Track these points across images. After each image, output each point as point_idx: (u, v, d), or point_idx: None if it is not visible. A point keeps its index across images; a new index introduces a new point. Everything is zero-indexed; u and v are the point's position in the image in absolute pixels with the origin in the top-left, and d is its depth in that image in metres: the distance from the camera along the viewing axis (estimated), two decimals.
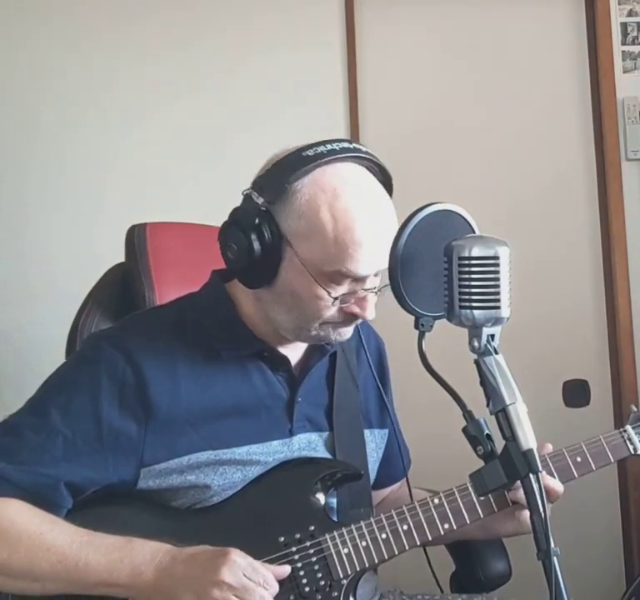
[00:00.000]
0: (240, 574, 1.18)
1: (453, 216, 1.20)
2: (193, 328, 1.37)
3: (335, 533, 1.32)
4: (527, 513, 1.34)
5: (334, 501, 1.41)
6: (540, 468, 1.05)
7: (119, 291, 1.76)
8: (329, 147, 1.27)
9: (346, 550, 1.31)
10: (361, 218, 1.26)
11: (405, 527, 1.34)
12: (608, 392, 2.82)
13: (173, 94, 2.74)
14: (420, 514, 1.35)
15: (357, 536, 1.32)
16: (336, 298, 1.28)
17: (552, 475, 1.40)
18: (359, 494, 1.43)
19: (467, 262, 1.08)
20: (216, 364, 1.35)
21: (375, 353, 1.56)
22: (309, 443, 1.41)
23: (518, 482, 1.07)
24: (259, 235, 1.26)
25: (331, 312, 1.30)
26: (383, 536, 1.33)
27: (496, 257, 1.08)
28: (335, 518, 1.39)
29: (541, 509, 1.03)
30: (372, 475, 1.50)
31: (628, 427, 1.48)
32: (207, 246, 1.83)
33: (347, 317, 1.32)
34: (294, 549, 1.30)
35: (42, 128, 2.71)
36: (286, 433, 1.39)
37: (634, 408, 1.51)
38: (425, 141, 2.86)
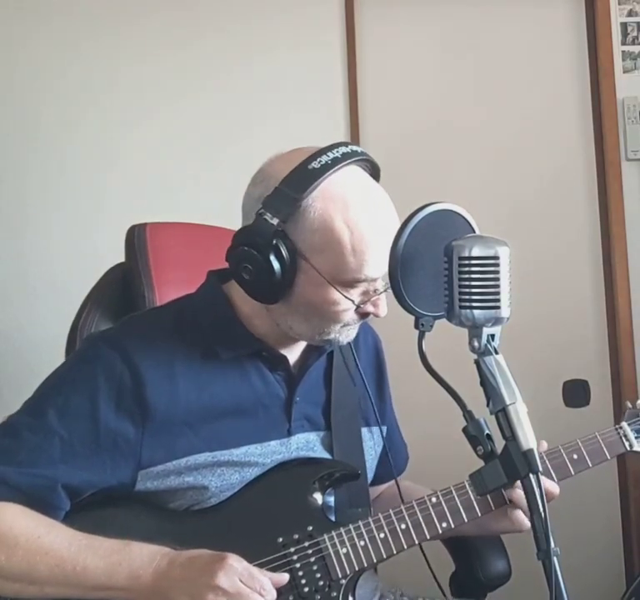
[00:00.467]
0: (236, 579, 1.18)
1: (453, 216, 1.20)
2: (191, 329, 1.37)
3: (333, 533, 1.32)
4: (519, 512, 1.35)
5: (332, 500, 1.41)
6: (540, 469, 1.05)
7: (119, 291, 1.76)
8: (331, 155, 1.27)
9: (344, 550, 1.31)
10: (372, 224, 1.27)
11: (403, 527, 1.34)
12: (608, 392, 2.82)
13: (173, 94, 2.74)
14: (418, 513, 1.35)
15: (355, 536, 1.32)
16: (355, 302, 1.29)
17: (548, 472, 1.41)
18: (357, 494, 1.43)
19: (467, 262, 1.08)
20: (214, 364, 1.36)
21: (372, 350, 1.57)
22: (307, 443, 1.41)
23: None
24: (277, 255, 1.25)
25: (349, 314, 1.32)
26: (382, 535, 1.33)
27: (496, 257, 1.08)
28: (333, 518, 1.39)
29: (541, 509, 1.04)
30: (370, 473, 1.50)
31: (624, 424, 1.50)
32: (207, 246, 1.84)
33: (362, 317, 1.34)
34: (293, 550, 1.30)
35: (42, 128, 2.71)
36: (284, 433, 1.39)
37: (629, 405, 1.53)
38: (425, 141, 2.86)
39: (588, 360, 2.82)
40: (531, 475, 1.05)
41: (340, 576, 1.31)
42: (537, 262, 2.75)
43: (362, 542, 1.32)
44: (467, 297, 1.09)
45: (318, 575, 1.30)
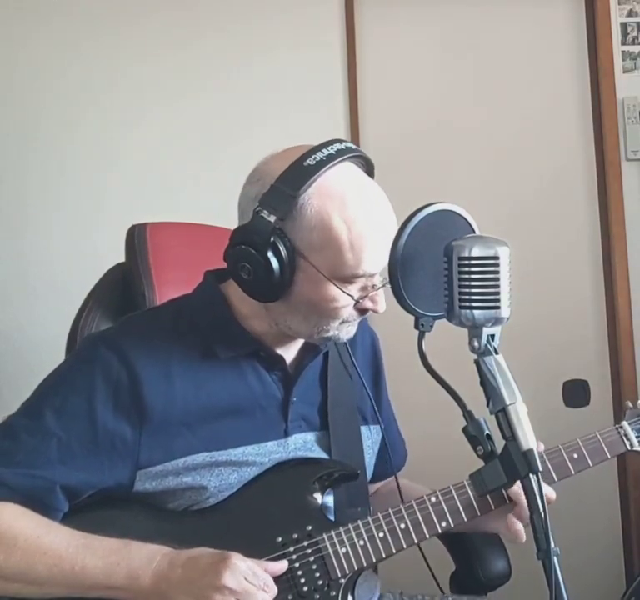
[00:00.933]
0: (242, 578, 1.18)
1: (453, 216, 1.20)
2: (188, 329, 1.37)
3: (333, 533, 1.32)
4: (515, 521, 1.35)
5: (331, 500, 1.41)
6: (540, 468, 1.05)
7: (119, 291, 1.76)
8: (326, 151, 1.27)
9: (344, 549, 1.31)
10: (369, 220, 1.27)
11: (402, 526, 1.34)
12: (608, 392, 2.82)
13: (173, 94, 2.74)
14: (417, 513, 1.35)
15: (354, 535, 1.32)
16: (354, 298, 1.29)
17: (548, 472, 1.41)
18: (356, 493, 1.43)
19: (467, 262, 1.08)
20: (211, 364, 1.35)
21: (369, 348, 1.57)
22: (305, 443, 1.41)
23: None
24: (276, 253, 1.25)
25: (348, 311, 1.31)
26: (381, 535, 1.33)
27: (496, 257, 1.08)
28: (332, 518, 1.39)
29: (541, 509, 1.04)
30: (369, 471, 1.50)
31: (625, 423, 1.50)
32: (207, 246, 1.84)
33: (361, 314, 1.34)
34: (292, 549, 1.30)
35: (42, 128, 2.71)
36: (281, 434, 1.39)
37: (630, 405, 1.53)
38: (425, 141, 2.86)
39: (588, 360, 2.82)
40: (531, 475, 1.05)
41: (339, 575, 1.30)
42: (537, 262, 2.75)
43: (362, 542, 1.32)
44: (467, 297, 1.09)
45: (317, 574, 1.30)
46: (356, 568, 1.31)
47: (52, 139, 2.71)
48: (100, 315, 1.69)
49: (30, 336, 2.58)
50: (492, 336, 1.11)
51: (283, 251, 1.25)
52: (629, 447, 1.48)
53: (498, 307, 1.09)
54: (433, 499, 1.36)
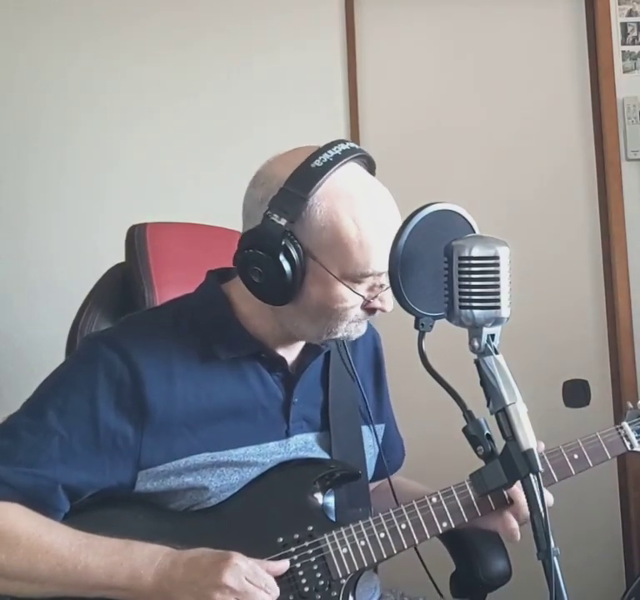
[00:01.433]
0: (242, 578, 1.18)
1: (453, 216, 1.20)
2: (190, 329, 1.37)
3: (334, 533, 1.32)
4: (511, 518, 1.35)
5: (332, 500, 1.41)
6: (540, 468, 1.05)
7: (119, 291, 1.75)
8: (332, 152, 1.27)
9: (345, 550, 1.31)
10: (377, 219, 1.28)
11: (403, 527, 1.34)
12: (608, 392, 2.82)
13: (173, 94, 2.74)
14: (418, 513, 1.35)
15: (355, 535, 1.32)
16: (365, 297, 1.30)
17: (549, 472, 1.41)
18: (357, 493, 1.43)
19: (467, 262, 1.08)
20: (212, 365, 1.35)
21: (371, 348, 1.57)
22: (306, 444, 1.41)
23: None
24: (287, 256, 1.25)
25: (356, 311, 1.32)
26: (382, 535, 1.33)
27: (496, 257, 1.08)
28: (333, 518, 1.39)
29: (541, 509, 1.04)
30: (370, 471, 1.50)
31: (625, 424, 1.50)
32: (207, 246, 1.84)
33: (369, 313, 1.34)
34: (293, 549, 1.30)
35: (42, 128, 2.71)
36: (282, 434, 1.39)
37: (631, 405, 1.53)
38: (425, 141, 2.86)
39: (588, 360, 2.82)
40: (531, 475, 1.05)
41: (340, 575, 1.31)
42: (537, 262, 2.75)
43: (363, 542, 1.32)
44: (467, 297, 1.09)
45: (319, 575, 1.30)
46: (357, 568, 1.31)
47: (52, 139, 2.71)
48: (100, 315, 1.69)
49: (30, 336, 2.58)
50: (492, 336, 1.11)
51: (294, 254, 1.26)
52: (629, 448, 1.48)
53: (498, 307, 1.09)
54: (434, 499, 1.36)
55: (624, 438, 1.48)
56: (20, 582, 1.22)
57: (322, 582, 1.30)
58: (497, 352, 1.11)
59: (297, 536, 1.31)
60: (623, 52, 2.87)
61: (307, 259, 1.27)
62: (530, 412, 1.08)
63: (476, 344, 1.11)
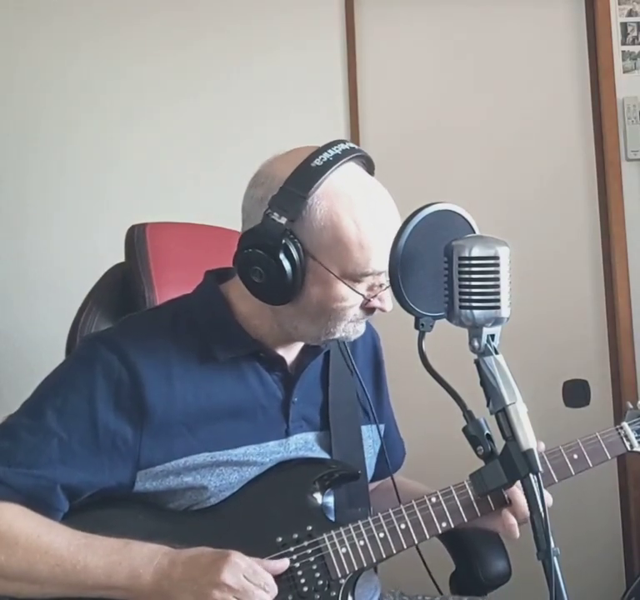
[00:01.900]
0: (240, 576, 1.18)
1: (453, 216, 1.20)
2: (188, 330, 1.37)
3: (333, 533, 1.32)
4: (510, 516, 1.35)
5: (331, 500, 1.41)
6: (540, 469, 1.06)
7: (119, 291, 1.76)
8: (332, 152, 1.27)
9: (344, 549, 1.31)
10: (377, 218, 1.28)
11: (403, 526, 1.34)
12: (608, 392, 2.82)
13: (173, 94, 2.74)
14: (417, 513, 1.35)
15: (354, 535, 1.32)
16: (366, 296, 1.30)
17: (549, 472, 1.40)
18: (357, 493, 1.43)
19: (467, 262, 1.09)
20: (211, 365, 1.35)
21: (370, 348, 1.57)
22: (306, 443, 1.41)
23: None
24: (288, 255, 1.25)
25: (355, 310, 1.32)
26: (381, 535, 1.33)
27: (496, 257, 1.08)
28: (332, 518, 1.39)
29: (541, 509, 1.04)
30: (370, 471, 1.50)
31: (625, 424, 1.49)
32: (207, 246, 1.84)
33: (368, 313, 1.34)
34: (292, 549, 1.30)
35: (42, 128, 2.71)
36: (282, 434, 1.39)
37: (630, 405, 1.52)
38: (425, 141, 2.86)
39: (588, 360, 2.82)
40: (531, 475, 1.05)
41: (339, 575, 1.30)
42: (537, 262, 2.75)
43: (362, 542, 1.32)
44: (467, 297, 1.09)
45: (318, 574, 1.30)
46: (356, 568, 1.31)
47: (52, 139, 2.71)
48: (100, 315, 1.69)
49: (30, 336, 2.58)
50: (492, 336, 1.11)
51: (295, 253, 1.26)
52: (629, 448, 1.48)
53: (498, 307, 1.09)
54: (433, 499, 1.36)
55: (624, 438, 1.48)
56: (19, 583, 1.22)
57: (321, 582, 1.30)
58: (497, 352, 1.11)
59: (296, 536, 1.31)
60: (623, 52, 2.87)
61: (307, 258, 1.27)
62: (530, 412, 1.08)
63: (476, 344, 1.11)
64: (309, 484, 1.35)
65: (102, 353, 1.32)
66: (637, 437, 1.49)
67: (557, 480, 1.42)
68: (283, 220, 1.24)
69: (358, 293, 1.29)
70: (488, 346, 1.11)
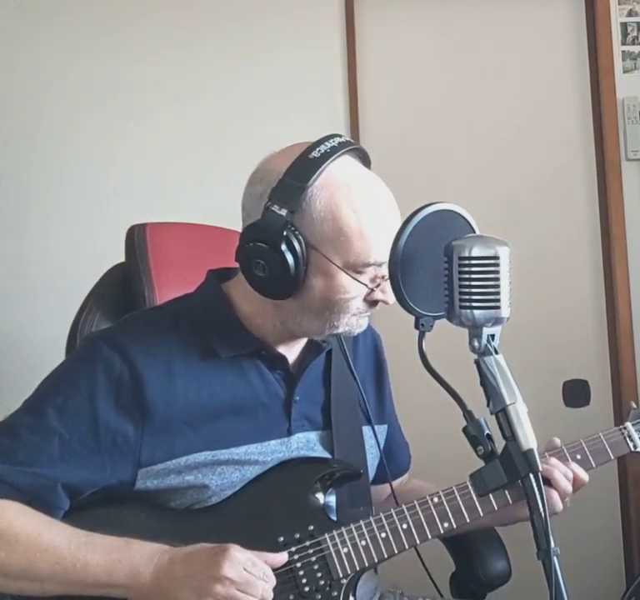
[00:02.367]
0: (241, 569, 1.19)
1: (453, 216, 1.20)
2: (190, 328, 1.37)
3: (334, 533, 1.32)
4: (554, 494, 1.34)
5: (333, 500, 1.41)
6: (540, 468, 1.06)
7: (119, 291, 1.76)
8: (329, 144, 1.29)
9: (345, 549, 1.31)
10: (376, 208, 1.29)
11: (405, 527, 1.34)
12: (608, 391, 2.82)
13: (173, 94, 2.74)
14: (420, 513, 1.35)
15: (356, 535, 1.32)
16: (369, 286, 1.30)
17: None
18: (358, 493, 1.43)
19: (467, 262, 1.09)
20: (213, 364, 1.35)
21: (371, 350, 1.57)
22: (308, 442, 1.41)
23: None
24: (290, 247, 1.25)
25: (358, 303, 1.32)
26: (383, 535, 1.33)
27: (496, 257, 1.08)
28: (334, 518, 1.39)
29: (541, 509, 1.04)
30: (372, 472, 1.50)
31: (628, 424, 1.48)
32: (207, 246, 1.84)
33: (371, 306, 1.34)
34: (294, 549, 1.30)
35: (42, 128, 2.72)
36: (284, 433, 1.39)
37: (634, 405, 1.52)
38: (425, 141, 2.86)
39: (588, 360, 2.82)
40: (531, 475, 1.05)
41: (341, 575, 1.30)
42: (537, 262, 2.75)
43: (364, 542, 1.32)
44: (467, 297, 1.09)
45: (319, 574, 1.30)
46: (357, 568, 1.31)
47: (52, 139, 2.71)
48: (100, 315, 1.69)
49: (30, 336, 2.58)
50: (492, 336, 1.11)
51: (296, 244, 1.26)
52: (633, 449, 1.47)
53: (498, 307, 1.09)
54: (436, 500, 1.36)
55: (627, 439, 1.47)
56: (20, 581, 1.22)
57: (322, 582, 1.30)
58: (497, 352, 1.11)
59: (297, 535, 1.31)
60: (623, 52, 2.87)
61: (309, 250, 1.27)
62: (530, 412, 1.09)
63: (476, 344, 1.11)
64: (311, 484, 1.36)
65: (103, 351, 1.32)
66: None
67: None
68: (284, 212, 1.25)
69: (361, 283, 1.29)
70: (488, 346, 1.11)
